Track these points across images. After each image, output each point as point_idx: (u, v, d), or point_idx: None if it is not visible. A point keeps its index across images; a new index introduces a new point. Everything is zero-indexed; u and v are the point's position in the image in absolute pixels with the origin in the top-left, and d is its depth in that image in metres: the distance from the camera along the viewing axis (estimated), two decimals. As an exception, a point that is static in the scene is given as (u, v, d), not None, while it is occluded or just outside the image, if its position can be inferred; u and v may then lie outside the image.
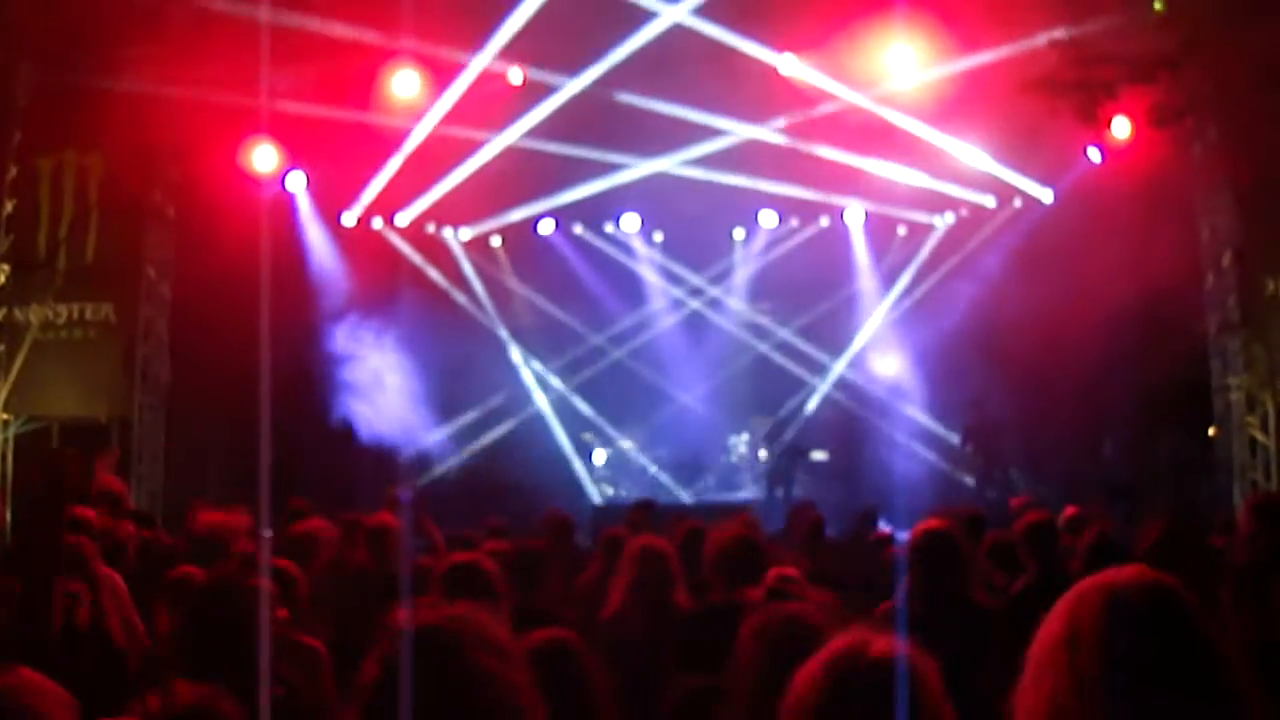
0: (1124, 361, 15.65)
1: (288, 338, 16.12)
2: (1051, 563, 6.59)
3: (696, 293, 21.27)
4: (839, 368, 20.48)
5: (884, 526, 11.34)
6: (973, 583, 5.91)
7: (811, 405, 20.65)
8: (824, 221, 20.44)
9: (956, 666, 5.01)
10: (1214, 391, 15.84)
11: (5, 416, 15.39)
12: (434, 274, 20.23)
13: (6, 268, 15.71)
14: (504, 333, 20.88)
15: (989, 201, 18.79)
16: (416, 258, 19.94)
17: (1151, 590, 2.35)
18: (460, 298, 20.44)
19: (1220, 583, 5.51)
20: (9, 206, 15.61)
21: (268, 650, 3.91)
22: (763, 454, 20.34)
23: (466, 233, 20.49)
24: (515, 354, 20.92)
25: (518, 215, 19.82)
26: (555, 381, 21.04)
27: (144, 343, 16.19)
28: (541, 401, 21.00)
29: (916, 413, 19.61)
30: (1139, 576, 2.38)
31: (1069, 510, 9.59)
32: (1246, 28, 12.18)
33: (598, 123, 16.25)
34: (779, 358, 20.94)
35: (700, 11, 14.50)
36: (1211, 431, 16.08)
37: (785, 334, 20.97)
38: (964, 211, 19.41)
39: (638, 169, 17.71)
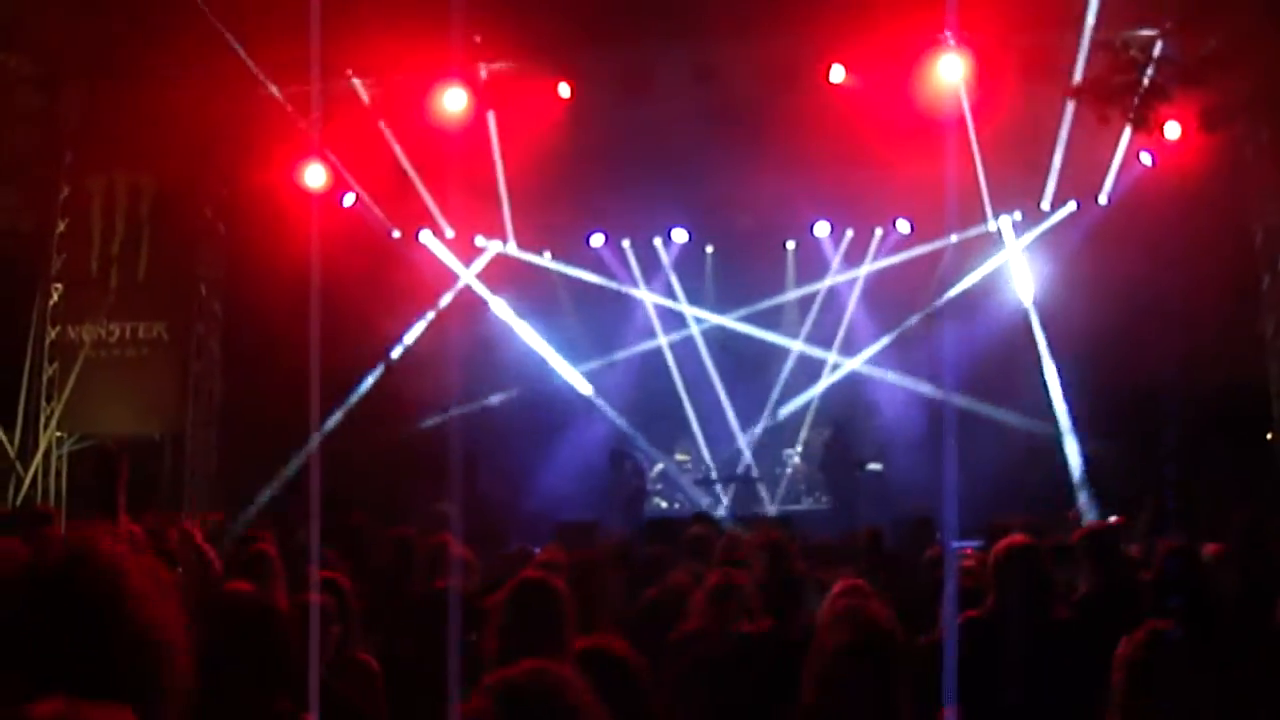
0: (1179, 366, 15.44)
1: (341, 354, 16.21)
2: (1112, 571, 6.49)
3: (746, 305, 20.96)
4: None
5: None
6: (1054, 598, 5.64)
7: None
8: (878, 232, 20.18)
9: (1037, 679, 4.84)
10: (1272, 396, 15.59)
11: (59, 434, 15.53)
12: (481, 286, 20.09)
13: (60, 287, 15.87)
14: (547, 340, 20.58)
15: (1043, 205, 18.50)
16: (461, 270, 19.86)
17: None
18: (506, 308, 20.23)
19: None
20: (61, 226, 15.77)
21: (318, 666, 3.89)
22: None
23: (514, 246, 20.37)
24: (560, 363, 20.64)
25: (569, 229, 19.71)
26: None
27: (197, 360, 16.31)
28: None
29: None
30: None
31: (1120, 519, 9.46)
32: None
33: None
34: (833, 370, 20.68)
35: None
36: (1270, 437, 15.82)
37: (839, 346, 20.70)
38: (1017, 215, 19.10)
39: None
